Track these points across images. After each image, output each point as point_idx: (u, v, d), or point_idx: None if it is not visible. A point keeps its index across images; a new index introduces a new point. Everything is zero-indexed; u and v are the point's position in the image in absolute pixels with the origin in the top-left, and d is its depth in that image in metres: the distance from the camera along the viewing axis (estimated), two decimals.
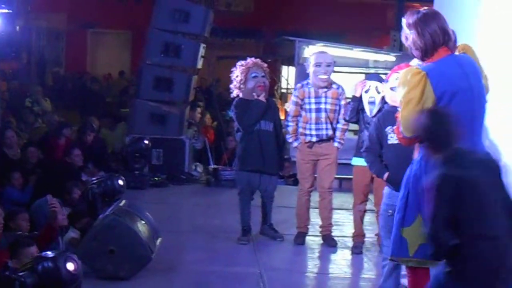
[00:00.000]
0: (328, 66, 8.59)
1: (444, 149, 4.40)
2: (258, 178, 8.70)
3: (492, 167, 4.46)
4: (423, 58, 4.99)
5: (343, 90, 8.72)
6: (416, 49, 4.99)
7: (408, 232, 4.89)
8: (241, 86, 8.64)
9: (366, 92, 7.92)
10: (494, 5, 10.51)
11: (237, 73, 8.67)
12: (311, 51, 10.93)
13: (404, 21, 5.04)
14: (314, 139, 8.57)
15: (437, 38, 4.93)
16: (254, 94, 8.59)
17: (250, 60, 8.74)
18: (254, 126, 8.59)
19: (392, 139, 6.47)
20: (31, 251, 6.36)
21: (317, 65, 8.54)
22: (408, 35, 5.01)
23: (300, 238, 8.74)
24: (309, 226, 8.87)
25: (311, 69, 8.60)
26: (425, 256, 4.80)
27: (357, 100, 8.10)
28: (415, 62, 6.34)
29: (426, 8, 5.07)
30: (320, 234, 8.81)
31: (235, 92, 8.74)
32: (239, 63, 8.72)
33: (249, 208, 8.80)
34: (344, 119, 8.49)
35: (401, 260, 5.07)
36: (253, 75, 8.62)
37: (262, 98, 8.62)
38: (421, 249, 4.83)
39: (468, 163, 4.35)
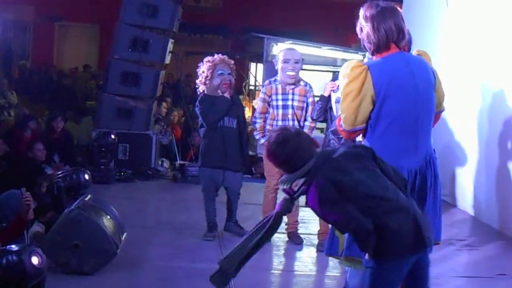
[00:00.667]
0: (296, 63, 8.60)
1: (303, 165, 4.35)
2: (221, 175, 8.68)
3: (360, 153, 4.44)
4: (373, 52, 4.97)
5: (310, 87, 8.73)
6: (368, 43, 4.96)
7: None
8: (207, 82, 8.63)
9: (334, 91, 7.92)
10: (461, 4, 10.66)
11: (203, 69, 8.65)
12: (280, 48, 10.95)
13: (361, 12, 4.99)
14: None
15: (391, 35, 4.90)
16: (219, 91, 8.58)
17: (217, 57, 8.72)
18: (218, 123, 8.58)
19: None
20: None
21: (285, 61, 8.55)
22: (363, 27, 4.97)
23: None
24: None
25: (279, 66, 8.60)
26: (352, 254, 4.85)
27: (325, 100, 8.11)
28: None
29: (385, 2, 5.03)
30: (285, 232, 8.81)
31: (200, 88, 8.73)
32: (206, 59, 8.69)
33: (213, 204, 8.78)
34: (312, 118, 8.50)
35: (333, 257, 5.13)
36: (219, 72, 8.60)
37: (227, 95, 8.62)
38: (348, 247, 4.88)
39: (333, 163, 4.32)
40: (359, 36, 5.04)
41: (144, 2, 12.98)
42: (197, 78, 8.74)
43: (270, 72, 10.05)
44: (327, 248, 5.16)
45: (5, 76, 20.90)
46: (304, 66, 13.21)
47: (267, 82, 8.84)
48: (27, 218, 7.00)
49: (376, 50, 4.94)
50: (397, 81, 4.84)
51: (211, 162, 8.64)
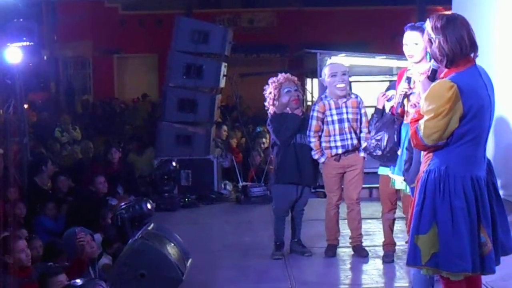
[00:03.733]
0: (344, 74, 8.60)
1: None
2: (295, 191, 8.72)
3: None
4: (447, 65, 4.91)
5: (361, 99, 8.73)
6: (440, 55, 4.90)
7: (422, 241, 4.88)
8: (275, 102, 8.68)
9: (388, 101, 7.83)
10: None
11: (270, 90, 8.71)
12: (329, 62, 10.93)
13: (429, 24, 4.94)
14: (340, 150, 8.56)
15: (464, 46, 4.86)
16: (289, 108, 8.64)
17: (281, 76, 8.79)
18: (291, 140, 8.63)
19: None
20: (59, 279, 6.42)
21: (333, 75, 8.56)
22: (433, 39, 4.91)
23: (331, 251, 8.73)
24: (339, 238, 8.85)
25: (327, 81, 8.61)
26: (436, 265, 4.82)
27: (380, 112, 8.04)
28: (421, 66, 6.36)
29: (453, 12, 4.97)
30: (350, 245, 8.79)
31: (270, 109, 8.77)
32: (270, 80, 8.75)
33: (284, 223, 8.81)
34: (369, 130, 8.45)
35: (415, 267, 5.08)
36: (286, 90, 8.66)
37: (298, 112, 8.68)
38: (433, 258, 4.83)
39: None
40: (428, 49, 5.00)
41: (195, 28, 13.13)
42: (264, 101, 8.80)
43: (325, 87, 10.03)
44: (408, 257, 5.08)
45: (69, 112, 21.29)
46: (359, 78, 13.32)
47: (318, 99, 8.86)
48: (84, 257, 7.15)
49: (450, 63, 4.90)
50: (481, 101, 4.85)
51: (286, 179, 8.68)
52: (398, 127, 6.88)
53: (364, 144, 7.85)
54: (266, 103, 8.81)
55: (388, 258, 8.32)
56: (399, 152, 6.85)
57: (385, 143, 6.92)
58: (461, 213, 4.80)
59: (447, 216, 4.81)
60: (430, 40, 4.95)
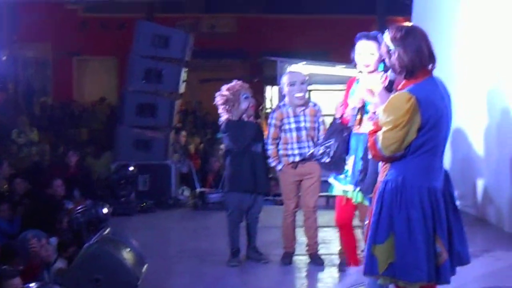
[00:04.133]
0: (302, 83, 8.61)
1: None
2: (250, 199, 8.72)
3: None
4: (406, 76, 4.93)
5: (319, 108, 8.76)
6: (400, 66, 4.92)
7: (379, 250, 4.90)
8: (233, 108, 8.66)
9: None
10: (471, 16, 10.65)
11: (226, 96, 8.67)
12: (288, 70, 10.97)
13: (388, 36, 4.95)
14: (297, 158, 8.57)
15: (423, 57, 4.88)
16: (245, 115, 8.65)
17: (236, 82, 8.78)
18: (250, 147, 8.64)
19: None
20: (14, 282, 6.37)
21: (291, 84, 8.57)
22: (392, 51, 4.93)
23: (287, 258, 8.73)
24: (295, 246, 8.87)
25: (286, 89, 8.63)
26: (393, 274, 4.86)
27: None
28: (373, 77, 6.42)
29: (412, 24, 5.01)
30: (307, 253, 8.81)
31: (224, 116, 8.74)
32: (225, 87, 8.73)
33: (238, 230, 8.79)
34: None
35: (372, 277, 5.10)
36: (245, 96, 8.65)
37: (252, 119, 8.70)
38: (390, 267, 4.87)
39: None
40: (387, 60, 5.00)
41: (156, 33, 13.14)
42: (219, 107, 8.77)
43: (283, 95, 10.07)
44: (365, 267, 5.09)
45: (27, 114, 21.07)
46: (319, 86, 13.38)
47: (276, 107, 8.90)
48: (37, 262, 7.11)
49: (409, 74, 4.91)
50: (439, 112, 4.87)
51: (242, 187, 8.67)
52: (348, 136, 6.95)
53: (311, 151, 7.90)
54: (221, 110, 8.79)
55: (344, 266, 8.35)
56: (349, 162, 6.93)
57: (334, 151, 6.98)
58: (418, 223, 4.83)
59: (404, 226, 4.84)
60: (389, 52, 4.97)
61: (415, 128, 4.80)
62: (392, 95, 4.96)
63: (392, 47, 4.93)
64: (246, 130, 8.64)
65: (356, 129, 6.95)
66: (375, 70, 6.87)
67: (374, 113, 5.65)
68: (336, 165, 7.00)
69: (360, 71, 6.98)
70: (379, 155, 4.94)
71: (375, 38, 6.91)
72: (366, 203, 6.92)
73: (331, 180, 7.26)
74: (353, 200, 7.10)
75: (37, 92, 27.03)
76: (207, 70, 23.32)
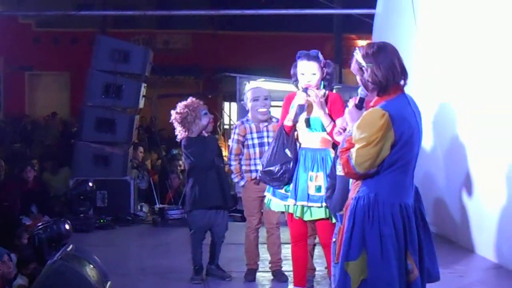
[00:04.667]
0: (266, 99, 8.61)
1: None
2: (214, 215, 8.63)
3: None
4: (378, 93, 4.92)
5: None
6: (373, 83, 4.90)
7: (352, 267, 4.89)
8: (192, 126, 8.58)
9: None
10: (428, 36, 10.79)
11: (184, 114, 8.58)
12: (252, 86, 10.97)
13: (359, 52, 4.95)
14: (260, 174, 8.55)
15: (396, 73, 4.87)
16: (204, 131, 8.60)
17: (193, 100, 8.71)
18: (214, 162, 8.58)
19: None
20: None
21: (255, 99, 8.56)
22: (365, 67, 4.91)
23: (251, 275, 8.67)
24: (259, 263, 8.82)
25: (249, 105, 8.62)
26: None
27: None
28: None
29: (383, 41, 5.01)
30: (270, 270, 8.77)
31: (183, 133, 8.64)
32: (181, 105, 8.63)
33: (201, 247, 8.68)
34: None
35: None
36: (204, 112, 8.61)
37: (208, 134, 8.69)
38: (362, 284, 4.86)
39: None
40: (359, 77, 4.98)
41: (115, 48, 13.03)
42: (176, 124, 8.67)
43: (244, 110, 10.06)
44: (339, 285, 5.06)
45: None
46: (278, 103, 13.38)
47: (239, 122, 8.84)
48: (5, 276, 6.99)
49: (382, 91, 4.90)
50: (411, 128, 4.87)
51: (208, 203, 8.55)
52: (293, 144, 7.02)
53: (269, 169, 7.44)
54: (178, 127, 8.70)
55: (308, 283, 8.29)
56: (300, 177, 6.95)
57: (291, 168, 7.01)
58: (390, 240, 4.83)
59: (376, 242, 4.83)
60: (361, 68, 4.97)
61: (389, 145, 4.80)
62: (365, 112, 4.96)
63: (364, 64, 4.92)
64: (209, 145, 8.60)
65: (306, 144, 7.05)
66: (318, 89, 6.97)
67: (345, 130, 5.67)
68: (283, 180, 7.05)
69: (300, 88, 7.04)
70: (352, 172, 4.93)
71: (316, 58, 7.00)
72: (307, 218, 7.03)
73: (268, 194, 7.28)
74: (295, 215, 7.10)
75: None
76: (161, 86, 23.28)
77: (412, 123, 4.90)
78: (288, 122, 7.02)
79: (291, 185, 7.02)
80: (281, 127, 7.15)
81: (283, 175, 7.02)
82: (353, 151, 4.86)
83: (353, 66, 5.03)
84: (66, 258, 7.15)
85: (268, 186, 7.29)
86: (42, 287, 6.98)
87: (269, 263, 8.76)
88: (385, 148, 4.79)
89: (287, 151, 7.02)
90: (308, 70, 6.90)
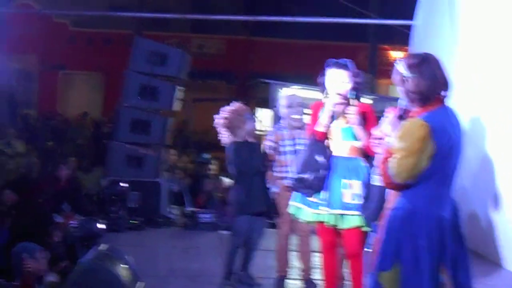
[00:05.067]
0: (299, 106, 8.59)
1: None
2: (259, 221, 8.59)
3: None
4: (420, 104, 4.91)
5: None
6: (415, 94, 4.90)
7: (384, 278, 4.88)
8: (238, 130, 8.57)
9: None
10: (468, 47, 10.73)
11: (231, 118, 8.58)
12: (286, 93, 10.94)
13: (402, 63, 4.95)
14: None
15: (438, 85, 4.88)
16: (247, 136, 8.59)
17: (238, 104, 8.70)
18: (260, 168, 8.55)
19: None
20: None
21: (289, 106, 8.53)
22: (408, 78, 4.91)
23: (281, 282, 8.64)
24: (288, 270, 8.79)
25: (283, 112, 8.61)
26: None
27: None
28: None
29: (425, 52, 5.00)
30: (300, 278, 8.74)
31: (228, 138, 8.63)
32: (229, 108, 8.61)
33: (237, 253, 8.65)
34: None
35: None
36: (249, 116, 8.62)
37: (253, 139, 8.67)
38: None
39: None
40: (400, 87, 4.97)
41: (153, 50, 13.11)
42: (219, 129, 8.67)
43: (277, 117, 10.05)
44: None
45: (11, 125, 20.95)
46: (310, 111, 13.37)
47: (273, 129, 8.83)
48: (30, 281, 7.05)
49: (424, 102, 4.90)
50: (451, 140, 4.86)
51: (254, 209, 8.50)
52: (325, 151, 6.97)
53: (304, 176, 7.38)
54: (223, 131, 8.65)
55: None
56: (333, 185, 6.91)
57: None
58: (425, 252, 4.81)
59: (411, 254, 4.81)
60: (403, 79, 4.96)
61: (428, 156, 4.78)
62: (405, 122, 4.95)
63: (407, 74, 4.92)
64: (256, 151, 8.57)
65: (338, 152, 7.00)
66: (346, 97, 6.93)
67: (381, 139, 5.65)
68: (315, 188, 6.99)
69: (327, 96, 6.99)
70: (391, 182, 4.91)
71: (345, 67, 6.95)
72: (342, 226, 6.92)
73: (296, 204, 7.22)
74: (329, 224, 7.04)
75: (20, 104, 26.89)
76: (193, 90, 23.35)
77: (453, 135, 4.88)
78: (320, 128, 6.98)
79: (324, 193, 6.99)
80: (311, 133, 7.10)
81: (316, 182, 6.94)
82: (392, 161, 4.85)
83: (395, 77, 5.02)
84: (99, 257, 7.20)
85: (295, 195, 7.20)
86: (74, 285, 7.03)
87: (301, 271, 8.73)
88: (424, 159, 4.78)
89: (319, 158, 6.98)
90: (337, 78, 6.86)
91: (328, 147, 7.03)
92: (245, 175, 8.55)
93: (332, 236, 7.21)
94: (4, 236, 9.80)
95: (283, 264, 8.69)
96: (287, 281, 8.73)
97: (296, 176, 7.08)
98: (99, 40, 27.29)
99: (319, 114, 7.01)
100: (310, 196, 7.02)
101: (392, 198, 5.05)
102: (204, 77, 25.96)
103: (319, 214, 6.99)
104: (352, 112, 6.83)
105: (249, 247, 8.72)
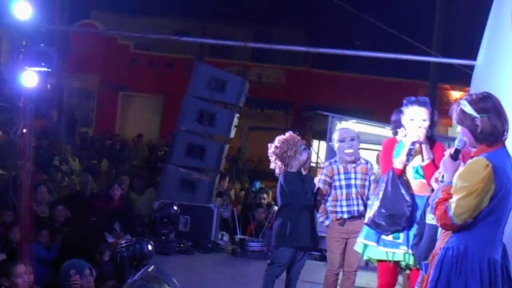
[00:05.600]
0: (352, 140, 8.54)
1: None
2: (300, 255, 8.55)
3: None
4: (487, 144, 4.87)
5: (371, 165, 8.69)
6: (481, 133, 4.86)
7: None
8: (291, 160, 8.53)
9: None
10: None
11: (284, 148, 8.56)
12: (339, 127, 10.91)
13: (467, 103, 4.90)
14: (345, 215, 8.45)
15: (502, 129, 4.86)
16: (302, 168, 8.56)
17: (292, 134, 8.67)
18: (309, 202, 8.50)
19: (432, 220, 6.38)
20: None
21: (341, 140, 8.51)
22: (475, 118, 4.86)
23: None
24: None
25: (336, 146, 8.56)
26: None
27: None
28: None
29: (488, 93, 4.97)
30: None
31: (281, 167, 8.59)
32: (284, 137, 8.59)
33: (274, 283, 8.62)
34: None
35: None
36: (303, 147, 8.58)
37: (307, 172, 8.61)
38: None
39: None
40: (463, 126, 4.93)
41: (213, 76, 13.21)
42: (272, 158, 8.64)
43: (333, 150, 10.00)
44: None
45: (68, 142, 21.21)
46: (367, 146, 13.31)
47: (327, 163, 8.76)
48: None
49: (491, 142, 4.86)
50: (510, 183, 4.82)
51: (299, 243, 8.46)
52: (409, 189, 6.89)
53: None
54: (276, 161, 8.57)
55: None
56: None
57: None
58: None
59: None
60: (469, 119, 4.90)
61: (489, 196, 4.74)
62: (469, 161, 4.88)
63: (476, 114, 4.87)
64: (309, 184, 8.50)
65: (415, 191, 6.92)
66: (427, 136, 6.87)
67: (437, 179, 5.59)
68: (401, 225, 6.89)
69: (405, 135, 6.94)
70: (449, 223, 4.85)
71: (426, 104, 6.89)
72: (414, 266, 6.84)
73: (368, 242, 7.14)
74: (405, 263, 6.97)
75: (79, 122, 27.23)
76: (249, 118, 23.44)
77: (511, 177, 4.83)
78: (399, 166, 6.91)
79: (402, 233, 6.91)
80: (390, 171, 7.00)
81: (405, 220, 6.84)
82: (452, 201, 4.79)
83: (459, 116, 4.97)
84: (146, 278, 7.18)
85: (366, 234, 7.11)
86: None
87: None
88: (485, 200, 4.74)
89: (406, 196, 6.88)
90: (419, 116, 6.78)
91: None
92: (293, 207, 8.49)
93: (394, 277, 7.17)
94: (55, 252, 9.88)
95: None
96: None
97: (385, 212, 6.94)
98: (160, 63, 27.54)
99: (393, 152, 6.97)
100: (386, 235, 6.92)
101: (443, 237, 5.00)
102: (262, 106, 26.03)
103: (395, 253, 6.89)
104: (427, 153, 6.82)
105: (290, 279, 8.67)
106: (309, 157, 8.67)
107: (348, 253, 8.54)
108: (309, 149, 8.78)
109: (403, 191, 6.89)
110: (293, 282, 8.68)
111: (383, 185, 6.97)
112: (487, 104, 4.87)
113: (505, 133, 4.91)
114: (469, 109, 4.91)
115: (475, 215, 4.77)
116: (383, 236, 6.94)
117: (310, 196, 8.47)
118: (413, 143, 6.86)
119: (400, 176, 6.93)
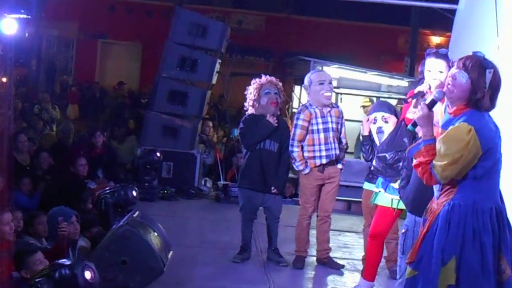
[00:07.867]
0: (330, 83, 8.54)
1: None
2: (260, 197, 8.61)
3: None
4: (466, 104, 4.90)
5: (341, 109, 8.72)
6: (464, 92, 4.89)
7: (441, 272, 4.86)
8: (255, 103, 8.59)
9: (374, 123, 7.66)
10: (510, 41, 10.54)
11: (250, 90, 8.62)
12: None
13: (458, 61, 4.95)
14: (324, 160, 8.40)
15: (495, 93, 4.93)
16: (266, 112, 8.55)
17: (264, 78, 8.68)
18: (255, 146, 8.53)
19: None
20: (37, 257, 6.31)
21: (321, 83, 8.43)
22: (460, 76, 4.88)
23: (300, 262, 8.55)
24: (308, 250, 8.72)
25: (313, 88, 8.46)
26: None
27: (369, 139, 7.92)
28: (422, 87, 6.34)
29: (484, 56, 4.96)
30: (319, 257, 8.66)
31: (249, 110, 8.68)
32: (253, 81, 8.66)
33: (250, 226, 8.70)
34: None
35: None
36: (266, 91, 8.55)
37: (271, 119, 8.54)
38: None
39: None
40: (449, 83, 4.94)
41: (194, 22, 13.10)
42: (245, 101, 8.71)
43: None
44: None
45: (48, 91, 21.06)
46: (348, 91, 13.34)
47: (303, 107, 8.67)
48: (64, 245, 7.09)
49: (472, 103, 4.89)
50: (495, 142, 4.88)
51: (249, 184, 8.59)
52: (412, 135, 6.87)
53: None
54: (245, 103, 8.72)
55: (395, 273, 8.21)
56: None
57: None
58: (489, 248, 4.82)
59: (477, 252, 4.81)
60: (454, 77, 4.92)
61: (476, 159, 4.79)
62: (450, 127, 4.88)
63: (463, 73, 4.89)
64: (258, 128, 8.53)
65: None
66: (442, 87, 6.85)
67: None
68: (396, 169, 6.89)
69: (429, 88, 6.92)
70: (435, 182, 4.91)
71: (444, 57, 6.83)
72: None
73: (374, 188, 7.17)
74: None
75: (58, 71, 27.02)
76: (232, 65, 23.36)
77: (497, 139, 4.92)
78: (410, 115, 6.89)
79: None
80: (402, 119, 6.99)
81: (397, 162, 6.82)
82: (438, 164, 4.81)
83: (446, 74, 5.00)
84: (132, 224, 7.21)
85: (378, 181, 7.14)
86: (106, 251, 7.06)
87: (321, 251, 8.64)
88: (472, 163, 4.79)
89: (406, 140, 6.84)
90: (435, 68, 6.73)
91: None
92: (246, 149, 8.62)
93: (391, 224, 7.25)
94: (37, 200, 9.86)
95: (303, 244, 8.62)
96: (307, 260, 8.68)
97: (378, 154, 7.00)
98: (139, 10, 27.25)
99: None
100: (392, 181, 6.90)
101: (447, 193, 4.95)
102: (242, 52, 25.86)
103: (400, 201, 6.90)
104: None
105: (268, 225, 8.73)
106: (269, 102, 8.58)
107: (323, 197, 8.55)
108: (278, 93, 8.67)
109: (404, 138, 6.90)
110: (272, 227, 8.71)
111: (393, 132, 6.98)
112: (477, 64, 4.88)
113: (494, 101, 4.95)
114: (459, 65, 4.93)
115: (463, 175, 4.83)
116: (391, 184, 6.94)
117: (254, 140, 8.53)
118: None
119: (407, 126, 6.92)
